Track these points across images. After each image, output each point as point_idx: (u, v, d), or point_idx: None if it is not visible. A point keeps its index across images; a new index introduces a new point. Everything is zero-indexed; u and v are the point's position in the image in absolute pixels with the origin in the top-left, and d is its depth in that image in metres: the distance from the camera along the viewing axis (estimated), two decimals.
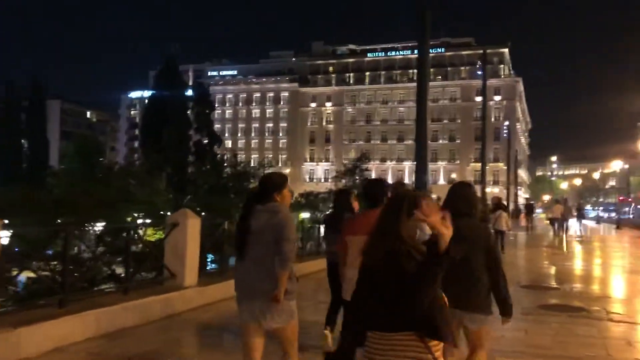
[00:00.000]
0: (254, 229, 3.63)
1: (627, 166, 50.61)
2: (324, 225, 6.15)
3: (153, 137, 54.81)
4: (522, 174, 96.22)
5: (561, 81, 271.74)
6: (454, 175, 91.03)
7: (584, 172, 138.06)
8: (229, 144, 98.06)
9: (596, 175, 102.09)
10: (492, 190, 64.58)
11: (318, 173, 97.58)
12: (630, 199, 74.71)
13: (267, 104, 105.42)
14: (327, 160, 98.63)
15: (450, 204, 3.80)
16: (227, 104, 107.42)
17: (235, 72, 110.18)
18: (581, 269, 14.09)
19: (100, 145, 54.23)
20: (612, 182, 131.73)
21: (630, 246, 22.98)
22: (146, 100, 68.14)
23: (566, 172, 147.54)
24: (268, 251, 3.58)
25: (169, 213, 37.91)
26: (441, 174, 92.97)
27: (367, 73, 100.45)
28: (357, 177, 44.35)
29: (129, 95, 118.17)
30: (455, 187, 4.05)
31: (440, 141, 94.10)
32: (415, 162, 9.23)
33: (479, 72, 32.78)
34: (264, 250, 3.60)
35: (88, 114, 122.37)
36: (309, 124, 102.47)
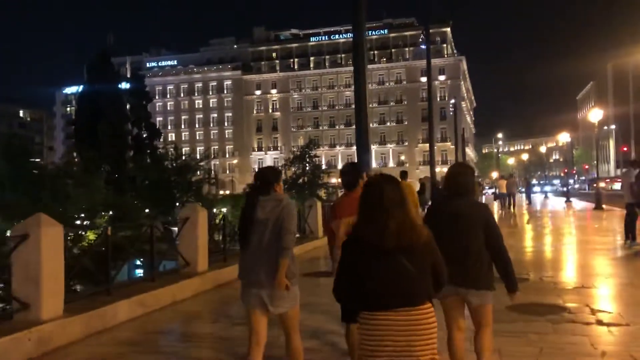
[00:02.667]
0: (259, 218, 3.77)
1: (569, 139, 50.78)
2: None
3: (87, 133, 51.61)
4: (470, 152, 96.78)
5: (503, 57, 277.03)
6: (403, 157, 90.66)
7: (529, 147, 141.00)
8: (172, 136, 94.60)
9: (542, 149, 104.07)
10: (442, 170, 64.23)
11: (267, 162, 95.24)
12: (573, 171, 76.09)
13: (210, 93, 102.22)
14: (275, 148, 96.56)
15: (448, 184, 3.93)
16: (169, 96, 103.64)
17: (175, 62, 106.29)
18: (544, 251, 12.74)
19: (27, 145, 50.67)
20: (556, 156, 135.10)
21: (583, 220, 22.15)
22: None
23: (512, 149, 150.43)
24: (272, 239, 3.73)
25: (110, 212, 35.32)
26: (390, 157, 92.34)
27: (312, 58, 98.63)
28: (306, 164, 42.86)
29: (64, 91, 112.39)
30: (452, 168, 4.14)
31: (388, 124, 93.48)
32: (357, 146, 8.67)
33: (423, 47, 31.72)
34: (268, 238, 3.74)
35: (21, 113, 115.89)
36: (254, 113, 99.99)
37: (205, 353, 5.31)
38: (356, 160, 8.43)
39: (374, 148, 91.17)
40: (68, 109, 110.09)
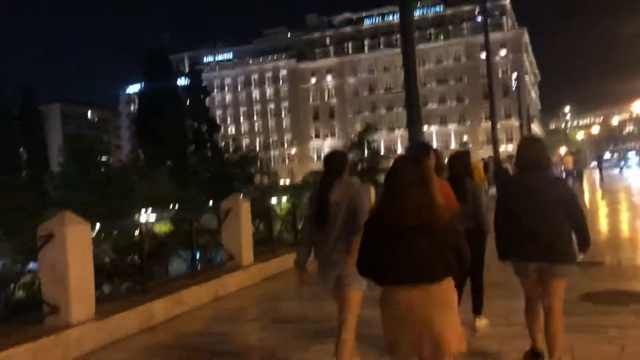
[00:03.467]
0: (332, 200, 3.89)
1: None
2: None
3: (149, 130, 52.99)
4: (536, 128, 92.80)
5: (568, 26, 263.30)
6: (466, 138, 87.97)
7: (600, 120, 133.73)
8: (232, 129, 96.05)
9: (614, 120, 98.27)
10: (506, 148, 61.78)
11: (325, 150, 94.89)
12: None
13: (267, 84, 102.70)
14: (333, 135, 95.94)
15: (521, 158, 3.89)
16: (227, 89, 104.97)
17: (231, 55, 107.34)
18: (620, 230, 11.65)
19: (94, 144, 52.60)
20: (629, 128, 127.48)
21: None
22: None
23: (581, 122, 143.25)
24: (345, 221, 3.85)
25: (174, 206, 35.84)
26: (452, 137, 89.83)
27: (366, 41, 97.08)
28: (364, 150, 42.13)
29: (127, 91, 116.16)
30: (524, 141, 4.13)
31: (448, 103, 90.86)
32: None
33: (479, 21, 30.38)
34: (341, 220, 3.86)
35: (89, 114, 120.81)
36: (311, 101, 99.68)
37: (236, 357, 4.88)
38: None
39: (434, 129, 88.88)
40: (132, 107, 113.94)
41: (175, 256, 8.18)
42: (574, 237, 3.77)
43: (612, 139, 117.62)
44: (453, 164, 5.41)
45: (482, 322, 5.05)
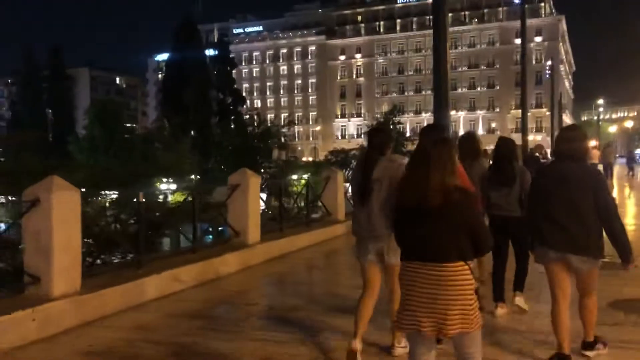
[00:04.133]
0: (375, 176, 3.99)
1: None
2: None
3: (174, 99, 52.91)
4: (567, 119, 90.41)
5: (608, 16, 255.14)
6: (494, 125, 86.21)
7: (633, 114, 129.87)
8: (258, 103, 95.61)
9: None
10: (535, 138, 60.25)
11: (350, 129, 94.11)
12: None
13: (295, 59, 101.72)
14: (358, 115, 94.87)
15: (559, 147, 3.91)
16: (255, 62, 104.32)
17: (261, 28, 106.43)
18: None
19: (121, 110, 52.73)
20: None
21: None
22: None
23: (614, 116, 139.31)
24: (387, 197, 3.91)
25: (196, 177, 35.79)
26: (480, 123, 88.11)
27: (398, 20, 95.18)
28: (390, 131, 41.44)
29: (155, 59, 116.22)
30: (564, 130, 4.27)
31: (478, 89, 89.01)
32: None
33: (518, 2, 29.36)
34: (383, 196, 3.96)
35: (117, 79, 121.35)
36: (338, 78, 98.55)
37: (226, 346, 4.46)
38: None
39: (462, 114, 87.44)
40: (160, 75, 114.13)
41: (176, 230, 7.76)
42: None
43: None
44: (499, 148, 5.39)
45: (521, 299, 5.06)
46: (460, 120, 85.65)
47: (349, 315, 4.28)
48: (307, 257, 8.26)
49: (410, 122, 79.55)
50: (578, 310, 3.86)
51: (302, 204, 10.52)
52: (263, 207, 9.90)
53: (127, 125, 58.52)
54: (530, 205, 4.02)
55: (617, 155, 43.45)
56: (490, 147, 9.41)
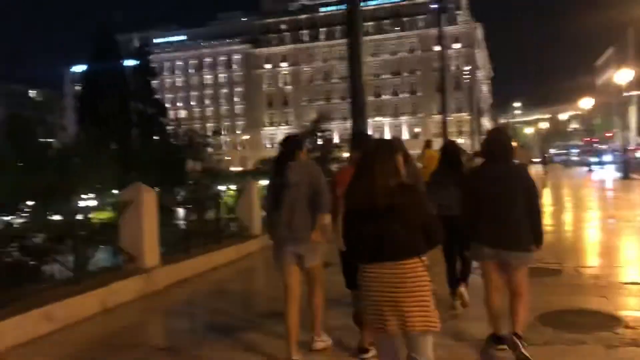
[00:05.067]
0: (291, 181, 4.08)
1: (591, 105, 48.11)
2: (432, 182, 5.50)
3: (92, 112, 50.53)
4: (486, 122, 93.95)
5: (522, 24, 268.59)
6: (417, 129, 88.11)
7: (548, 116, 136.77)
8: (183, 113, 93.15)
9: (563, 116, 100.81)
10: (457, 141, 61.76)
11: (279, 137, 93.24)
12: (596, 139, 73.26)
13: (219, 68, 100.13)
14: (287, 123, 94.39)
15: (486, 150, 4.12)
16: (178, 72, 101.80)
17: (183, 37, 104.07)
18: (572, 231, 10.94)
19: (33, 125, 49.52)
20: (575, 125, 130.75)
21: (614, 192, 20.14)
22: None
23: (530, 118, 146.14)
24: (305, 200, 4.07)
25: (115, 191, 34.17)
26: (404, 129, 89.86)
27: (323, 29, 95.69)
28: (317, 139, 41.07)
29: (73, 70, 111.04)
30: (490, 133, 4.42)
31: (401, 95, 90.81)
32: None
33: (435, 7, 30.35)
34: (301, 199, 4.06)
35: (33, 93, 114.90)
36: (265, 87, 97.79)
37: None
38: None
39: (387, 120, 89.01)
40: (77, 88, 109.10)
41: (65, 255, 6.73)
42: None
43: (559, 135, 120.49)
44: (447, 151, 5.65)
45: (464, 291, 5.29)
46: (385, 126, 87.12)
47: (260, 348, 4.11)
48: (216, 280, 7.46)
49: (338, 129, 79.95)
50: (510, 314, 3.92)
51: (217, 217, 9.71)
52: (181, 223, 9.25)
53: (44, 140, 55.26)
54: (465, 204, 4.13)
55: (533, 160, 44.84)
56: (415, 152, 9.23)
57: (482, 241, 3.92)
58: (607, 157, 40.09)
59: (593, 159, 41.16)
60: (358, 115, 7.99)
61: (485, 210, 3.88)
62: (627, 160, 24.27)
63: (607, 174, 29.21)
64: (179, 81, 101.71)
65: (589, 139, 75.75)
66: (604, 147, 61.66)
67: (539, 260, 6.05)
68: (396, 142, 6.16)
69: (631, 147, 53.27)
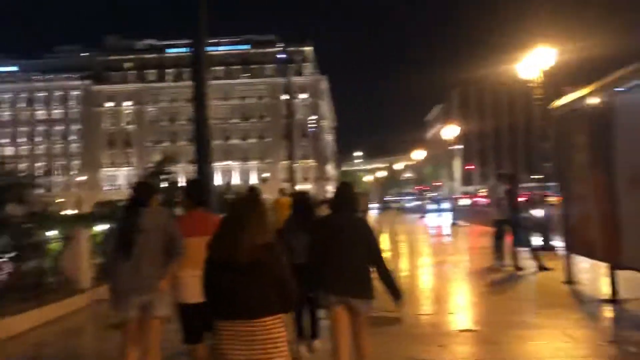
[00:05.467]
0: (143, 227, 3.98)
1: (422, 156, 52.63)
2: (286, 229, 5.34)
3: None
4: (331, 169, 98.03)
5: (365, 78, 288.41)
6: (267, 174, 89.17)
7: (386, 165, 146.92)
8: (11, 150, 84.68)
9: (398, 166, 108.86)
10: (304, 187, 63.52)
11: (119, 179, 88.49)
12: (427, 187, 79.85)
13: (55, 104, 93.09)
14: (129, 164, 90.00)
15: (335, 201, 4.36)
16: (6, 105, 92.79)
17: (16, 68, 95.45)
18: (409, 277, 11.44)
19: None
20: (408, 174, 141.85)
21: (446, 238, 21.80)
22: None
23: (370, 166, 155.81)
24: (156, 247, 3.99)
25: None
26: (253, 174, 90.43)
27: (170, 70, 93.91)
28: (161, 181, 39.46)
29: None
30: (339, 186, 4.59)
31: (250, 140, 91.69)
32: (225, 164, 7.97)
33: (283, 56, 31.46)
34: (152, 246, 3.96)
35: None
36: (106, 126, 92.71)
37: None
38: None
39: (236, 164, 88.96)
40: None
41: None
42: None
43: (395, 183, 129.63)
44: (298, 200, 5.93)
45: (319, 344, 5.37)
46: (233, 170, 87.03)
47: None
48: (33, 343, 6.49)
49: (183, 172, 77.89)
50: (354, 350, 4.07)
51: (39, 269, 8.60)
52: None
53: None
54: (312, 253, 4.20)
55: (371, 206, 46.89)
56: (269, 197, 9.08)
57: (329, 289, 4.01)
58: (445, 205, 41.16)
59: (431, 206, 42.93)
60: (203, 158, 7.79)
61: (330, 258, 4.00)
62: (454, 207, 26.54)
63: (438, 220, 31.71)
64: (7, 115, 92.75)
65: (420, 187, 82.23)
66: (433, 194, 67.36)
67: (380, 309, 6.12)
68: (257, 192, 6.27)
69: (455, 196, 58.83)
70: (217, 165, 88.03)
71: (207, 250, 2.98)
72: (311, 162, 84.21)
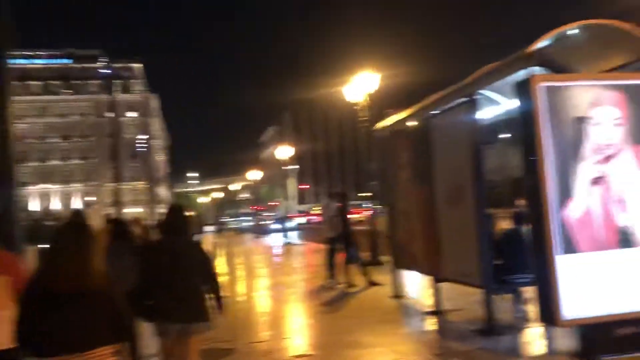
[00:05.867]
0: None
1: (258, 177, 53.03)
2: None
3: None
4: (163, 191, 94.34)
5: (197, 97, 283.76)
6: (92, 198, 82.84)
7: (222, 186, 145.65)
8: None
9: (234, 186, 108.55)
10: (134, 211, 60.05)
11: None
12: (263, 207, 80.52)
13: None
14: None
15: (166, 224, 4.30)
16: None
17: None
18: (244, 302, 11.11)
19: None
20: (245, 194, 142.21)
21: (282, 257, 21.87)
22: None
23: (206, 187, 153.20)
24: None
25: None
26: (76, 197, 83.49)
27: None
28: None
29: None
30: (170, 209, 4.48)
31: (72, 161, 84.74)
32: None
33: (109, 72, 29.63)
34: None
35: None
36: None
37: None
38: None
39: (56, 188, 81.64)
40: None
41: None
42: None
43: (232, 203, 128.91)
44: (116, 225, 5.84)
45: None
46: (53, 194, 79.65)
47: None
48: None
49: None
50: None
51: None
52: None
53: None
54: (143, 280, 3.98)
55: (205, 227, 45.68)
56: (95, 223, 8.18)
57: (168, 318, 3.86)
58: (290, 224, 39.53)
59: (275, 226, 41.07)
60: (6, 184, 6.79)
61: (166, 285, 3.87)
62: (284, 227, 26.85)
63: (277, 239, 31.86)
64: None
65: (256, 207, 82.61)
66: (271, 214, 68.10)
67: (211, 340, 5.66)
68: (83, 217, 5.72)
69: (291, 214, 60.01)
70: (33, 189, 79.99)
71: (24, 286, 2.77)
72: (141, 184, 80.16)
